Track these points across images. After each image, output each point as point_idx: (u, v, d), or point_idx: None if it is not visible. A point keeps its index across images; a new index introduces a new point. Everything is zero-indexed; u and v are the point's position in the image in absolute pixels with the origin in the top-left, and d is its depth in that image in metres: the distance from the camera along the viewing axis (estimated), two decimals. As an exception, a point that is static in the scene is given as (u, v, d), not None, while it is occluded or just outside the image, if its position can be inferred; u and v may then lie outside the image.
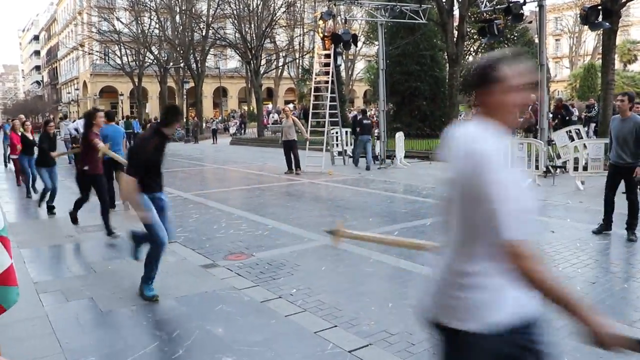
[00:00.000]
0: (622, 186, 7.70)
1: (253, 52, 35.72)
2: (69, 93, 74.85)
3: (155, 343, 4.44)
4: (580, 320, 1.91)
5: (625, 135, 7.36)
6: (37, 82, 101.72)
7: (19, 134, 13.26)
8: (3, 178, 17.55)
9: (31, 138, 12.54)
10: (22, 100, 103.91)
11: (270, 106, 49.21)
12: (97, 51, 53.77)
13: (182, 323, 4.88)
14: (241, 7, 37.64)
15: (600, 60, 19.55)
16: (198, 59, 43.39)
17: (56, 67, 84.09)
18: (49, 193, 10.40)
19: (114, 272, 6.52)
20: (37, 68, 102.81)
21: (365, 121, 18.05)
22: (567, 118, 20.62)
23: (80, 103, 66.66)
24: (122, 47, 49.29)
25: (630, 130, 7.30)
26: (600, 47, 20.90)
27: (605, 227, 7.84)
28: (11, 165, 17.24)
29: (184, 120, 44.87)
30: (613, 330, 1.91)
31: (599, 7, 14.97)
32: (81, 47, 55.45)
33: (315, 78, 19.88)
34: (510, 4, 16.57)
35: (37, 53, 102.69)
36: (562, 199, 10.97)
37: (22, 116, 17.52)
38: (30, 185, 12.87)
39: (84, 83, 66.26)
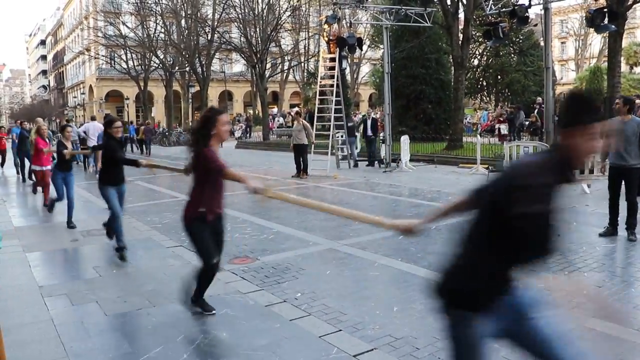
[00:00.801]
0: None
1: (258, 55, 35.77)
2: (75, 97, 75.21)
3: (159, 347, 4.44)
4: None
5: (629, 137, 7.41)
6: (44, 86, 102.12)
7: (47, 140, 11.28)
8: (10, 182, 17.58)
9: (70, 148, 9.63)
10: (29, 105, 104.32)
11: (275, 110, 49.26)
12: (103, 55, 53.99)
13: (187, 327, 4.88)
14: (246, 11, 37.71)
15: (606, 63, 19.49)
16: (203, 62, 43.48)
17: (62, 71, 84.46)
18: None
19: (119, 276, 6.52)
20: (44, 72, 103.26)
21: (348, 124, 19.53)
22: None
23: (86, 107, 66.92)
24: (128, 52, 49.47)
25: (634, 132, 7.39)
26: (606, 50, 20.85)
27: (611, 230, 7.85)
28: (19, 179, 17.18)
29: (190, 124, 44.99)
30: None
31: (605, 10, 14.94)
32: (87, 52, 55.68)
33: (321, 82, 19.90)
34: (516, 7, 16.55)
35: (43, 57, 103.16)
36: (567, 202, 10.91)
37: (40, 119, 15.84)
38: (70, 214, 9.49)
39: (90, 87, 66.53)
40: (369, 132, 19.39)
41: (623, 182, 7.72)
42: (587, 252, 7.03)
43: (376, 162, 19.32)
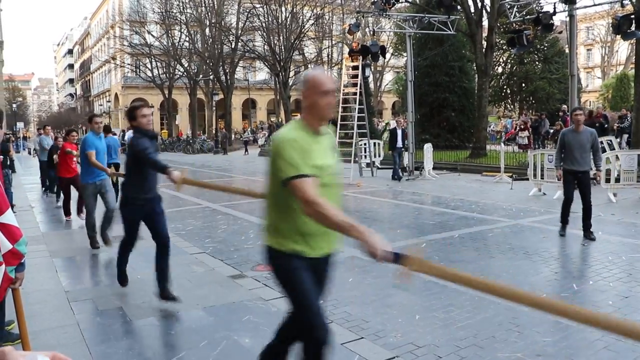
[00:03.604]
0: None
1: (282, 64, 36.00)
2: (101, 105, 76.30)
3: (182, 353, 4.48)
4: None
5: (584, 145, 8.35)
6: (71, 94, 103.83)
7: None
8: (36, 188, 17.86)
9: None
10: (56, 113, 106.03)
11: (298, 117, 49.40)
12: (128, 64, 54.74)
13: (210, 333, 4.91)
14: (270, 19, 38.00)
15: (633, 70, 19.25)
16: (227, 71, 43.85)
17: (89, 79, 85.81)
18: None
19: (143, 281, 6.58)
20: (71, 81, 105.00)
21: None
22: (606, 126, 20.55)
23: (111, 115, 67.82)
24: (152, 60, 50.11)
25: (588, 140, 8.34)
26: (634, 57, 20.59)
27: (563, 228, 8.67)
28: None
29: (214, 131, 45.36)
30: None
31: (632, 16, 14.74)
32: (113, 60, 56.52)
33: (344, 90, 19.94)
34: (540, 14, 16.44)
35: (70, 66, 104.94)
36: (593, 211, 10.78)
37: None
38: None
39: (116, 95, 67.46)
40: (399, 144, 17.56)
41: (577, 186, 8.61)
42: (612, 262, 6.94)
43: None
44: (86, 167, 8.25)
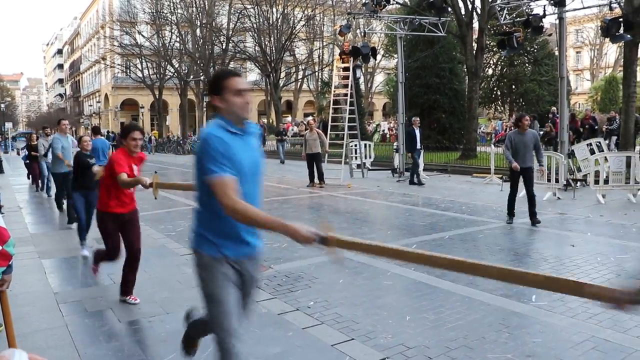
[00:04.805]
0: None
1: (272, 65, 36.00)
2: (90, 106, 76.00)
3: (172, 354, 4.46)
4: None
5: (528, 144, 9.60)
6: (60, 94, 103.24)
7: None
8: (25, 189, 17.75)
9: None
10: (45, 113, 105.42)
11: (289, 118, 49.44)
12: (118, 64, 54.57)
13: (200, 334, 4.89)
14: (261, 20, 38.00)
15: (622, 73, 19.39)
16: (218, 72, 43.76)
17: (79, 80, 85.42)
18: None
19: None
20: (60, 81, 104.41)
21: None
22: (595, 128, 20.90)
23: (101, 115, 67.55)
24: (143, 61, 49.95)
25: (531, 140, 9.67)
26: (622, 60, 20.74)
27: (510, 218, 9.90)
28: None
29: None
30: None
31: (620, 19, 14.85)
32: (103, 61, 56.31)
33: (335, 91, 19.94)
34: (530, 17, 16.54)
35: (60, 66, 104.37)
36: (582, 213, 10.86)
37: None
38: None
39: (106, 96, 67.18)
40: (419, 145, 16.64)
41: (522, 180, 9.83)
42: (601, 263, 6.97)
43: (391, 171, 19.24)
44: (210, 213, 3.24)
